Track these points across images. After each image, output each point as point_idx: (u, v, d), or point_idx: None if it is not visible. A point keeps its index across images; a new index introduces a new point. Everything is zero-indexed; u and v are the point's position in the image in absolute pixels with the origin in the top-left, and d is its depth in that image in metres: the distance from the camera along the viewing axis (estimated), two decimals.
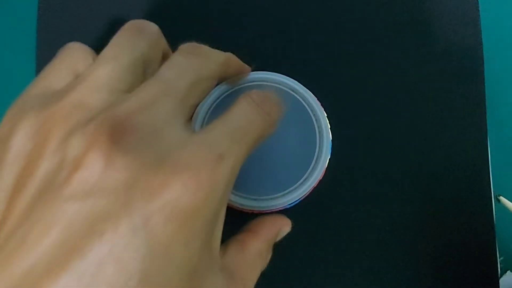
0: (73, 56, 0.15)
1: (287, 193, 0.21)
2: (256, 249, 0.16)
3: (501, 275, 0.26)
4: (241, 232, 0.17)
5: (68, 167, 0.11)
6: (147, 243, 0.11)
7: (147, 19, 0.17)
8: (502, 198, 0.26)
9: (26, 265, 0.10)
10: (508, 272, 0.27)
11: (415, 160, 0.27)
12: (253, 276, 0.16)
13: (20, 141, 0.12)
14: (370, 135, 0.27)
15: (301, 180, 0.21)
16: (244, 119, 0.14)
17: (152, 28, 0.16)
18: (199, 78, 0.15)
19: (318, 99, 0.22)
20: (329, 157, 0.21)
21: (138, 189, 0.11)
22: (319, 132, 0.21)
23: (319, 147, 0.21)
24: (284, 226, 0.18)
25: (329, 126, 0.22)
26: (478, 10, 0.29)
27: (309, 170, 0.21)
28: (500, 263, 0.26)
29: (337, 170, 0.26)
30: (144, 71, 0.15)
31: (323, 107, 0.22)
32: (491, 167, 0.27)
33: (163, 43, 0.17)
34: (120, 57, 0.15)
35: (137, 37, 0.16)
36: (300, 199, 0.21)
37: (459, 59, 0.28)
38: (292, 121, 0.22)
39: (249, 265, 0.16)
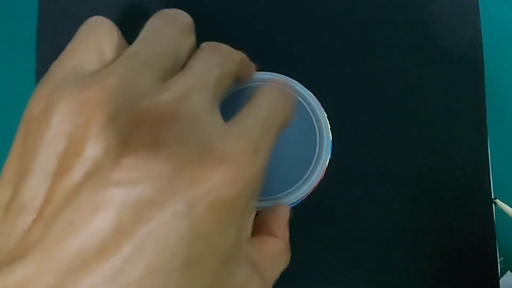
0: (98, 32, 0.15)
1: (288, 194, 0.21)
2: (277, 249, 0.17)
3: (501, 276, 0.26)
4: (260, 231, 0.17)
5: (115, 153, 0.12)
6: (189, 229, 0.11)
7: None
8: (498, 201, 0.26)
9: (75, 247, 0.11)
10: (508, 272, 0.27)
11: (415, 160, 0.27)
12: (274, 274, 0.16)
13: (60, 121, 0.12)
14: (370, 135, 0.27)
15: (302, 181, 0.21)
16: (271, 108, 0.15)
17: (186, 18, 0.16)
18: (223, 75, 0.16)
19: (318, 100, 0.22)
20: (329, 157, 0.21)
21: (182, 177, 0.12)
22: (319, 132, 0.21)
23: (319, 147, 0.21)
24: (288, 214, 0.19)
25: (329, 127, 0.22)
26: (478, 10, 0.29)
27: (309, 170, 0.21)
28: (500, 264, 0.26)
29: (337, 170, 0.26)
30: (176, 61, 0.15)
31: (323, 107, 0.22)
32: (491, 168, 0.27)
33: (194, 35, 0.17)
34: (155, 44, 0.15)
35: (171, 26, 0.16)
36: (301, 199, 0.21)
37: (459, 59, 0.28)
38: (292, 122, 0.22)
39: (271, 263, 0.16)
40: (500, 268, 0.26)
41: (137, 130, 0.12)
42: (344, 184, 0.27)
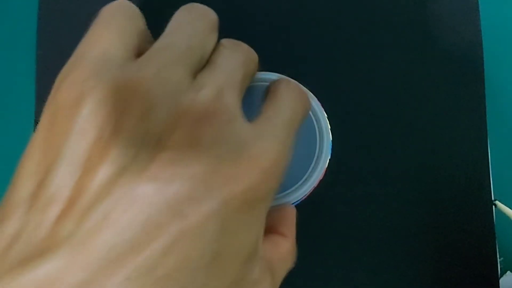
0: (125, 17, 0.14)
1: (287, 194, 0.21)
2: (286, 249, 0.17)
3: (501, 276, 0.26)
4: (270, 231, 0.17)
5: (151, 148, 0.11)
6: (221, 227, 0.12)
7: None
8: (498, 203, 0.26)
9: (109, 241, 0.10)
10: (508, 272, 0.27)
11: (415, 160, 0.27)
12: (282, 273, 0.16)
13: (93, 111, 0.11)
14: (370, 135, 0.27)
15: (302, 181, 0.21)
16: (292, 108, 0.16)
17: (213, 15, 0.16)
18: (246, 74, 0.16)
19: (318, 100, 0.22)
20: (329, 157, 0.21)
21: (217, 176, 0.12)
22: (319, 132, 0.21)
23: (319, 148, 0.21)
24: (294, 215, 0.19)
25: (329, 127, 0.22)
26: (478, 10, 0.29)
27: (309, 171, 0.21)
28: (500, 264, 0.26)
29: (337, 170, 0.26)
30: (203, 57, 0.15)
31: (323, 107, 0.22)
32: (491, 168, 0.27)
33: (217, 33, 0.16)
34: (187, 38, 0.14)
35: (200, 21, 0.15)
36: (301, 200, 0.21)
37: (459, 59, 0.28)
38: None
39: (281, 262, 0.16)
40: (500, 268, 0.26)
41: (175, 126, 0.12)
42: (344, 184, 0.27)
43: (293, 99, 0.16)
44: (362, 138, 0.27)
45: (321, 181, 0.21)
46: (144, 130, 0.12)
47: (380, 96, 0.28)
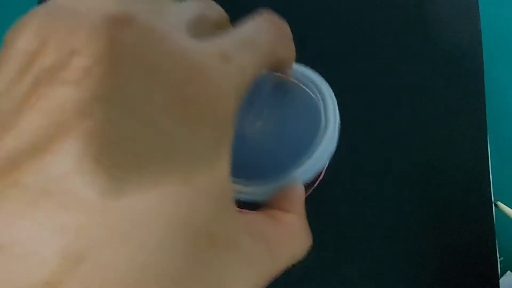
0: None
1: (297, 168, 0.19)
2: (290, 224, 0.15)
3: (501, 275, 0.26)
4: (272, 207, 0.16)
5: (66, 56, 0.11)
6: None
7: None
8: (499, 204, 0.26)
9: (9, 145, 0.10)
10: (508, 272, 0.27)
11: (415, 160, 0.27)
12: (286, 253, 0.14)
13: (26, 39, 0.12)
14: (370, 135, 0.27)
15: (306, 155, 0.19)
16: (255, 30, 0.14)
17: None
18: (204, 15, 0.15)
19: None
20: (338, 123, 0.20)
21: (163, 103, 0.11)
22: (323, 101, 0.20)
23: (325, 119, 0.20)
24: (301, 191, 0.17)
25: (333, 94, 0.20)
26: (478, 10, 0.29)
27: (316, 141, 0.19)
28: (500, 264, 0.26)
29: (337, 170, 0.26)
30: None
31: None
32: (491, 168, 0.27)
33: None
34: None
35: None
36: (312, 182, 0.19)
37: (459, 59, 0.28)
38: (292, 90, 0.21)
39: (283, 239, 0.14)
40: (500, 268, 0.26)
41: (95, 35, 0.11)
42: (344, 184, 0.27)
43: (258, 22, 0.15)
44: (362, 138, 0.27)
45: (321, 181, 0.21)
46: (65, 44, 0.11)
47: (380, 96, 0.28)
